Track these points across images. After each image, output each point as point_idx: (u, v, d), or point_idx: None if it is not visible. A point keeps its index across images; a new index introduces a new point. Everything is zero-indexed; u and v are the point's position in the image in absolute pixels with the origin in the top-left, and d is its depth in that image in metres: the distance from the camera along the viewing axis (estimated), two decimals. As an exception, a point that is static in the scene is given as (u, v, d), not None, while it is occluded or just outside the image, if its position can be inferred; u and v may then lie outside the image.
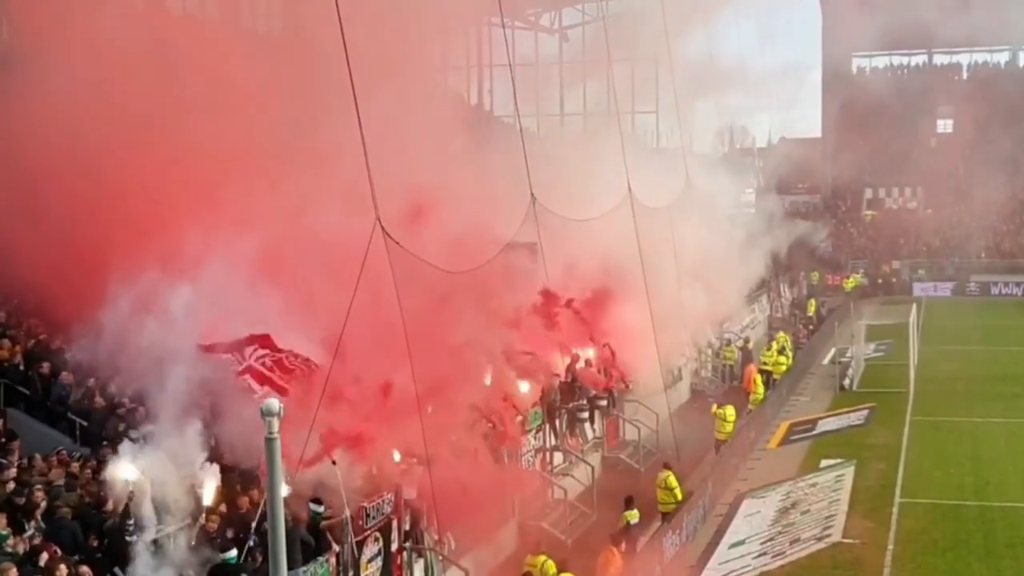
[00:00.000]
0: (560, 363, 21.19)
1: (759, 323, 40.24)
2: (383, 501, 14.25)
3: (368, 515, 13.81)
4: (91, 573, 11.35)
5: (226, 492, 13.22)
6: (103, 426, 15.28)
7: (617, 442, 23.74)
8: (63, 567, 10.98)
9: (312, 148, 17.45)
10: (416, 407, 14.31)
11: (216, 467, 12.85)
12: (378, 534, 14.02)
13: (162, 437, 12.92)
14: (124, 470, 12.38)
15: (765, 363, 30.27)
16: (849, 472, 21.87)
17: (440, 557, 15.26)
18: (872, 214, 62.00)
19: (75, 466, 13.76)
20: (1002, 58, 64.16)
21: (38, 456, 13.71)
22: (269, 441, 7.87)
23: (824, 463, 22.85)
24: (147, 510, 12.17)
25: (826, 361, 34.13)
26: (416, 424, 14.34)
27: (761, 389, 27.32)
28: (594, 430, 22.65)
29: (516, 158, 20.54)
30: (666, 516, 18.42)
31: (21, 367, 16.35)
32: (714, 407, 24.20)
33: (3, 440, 13.85)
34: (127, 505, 12.20)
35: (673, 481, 18.97)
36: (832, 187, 62.57)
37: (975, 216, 56.68)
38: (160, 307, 14.61)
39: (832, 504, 19.86)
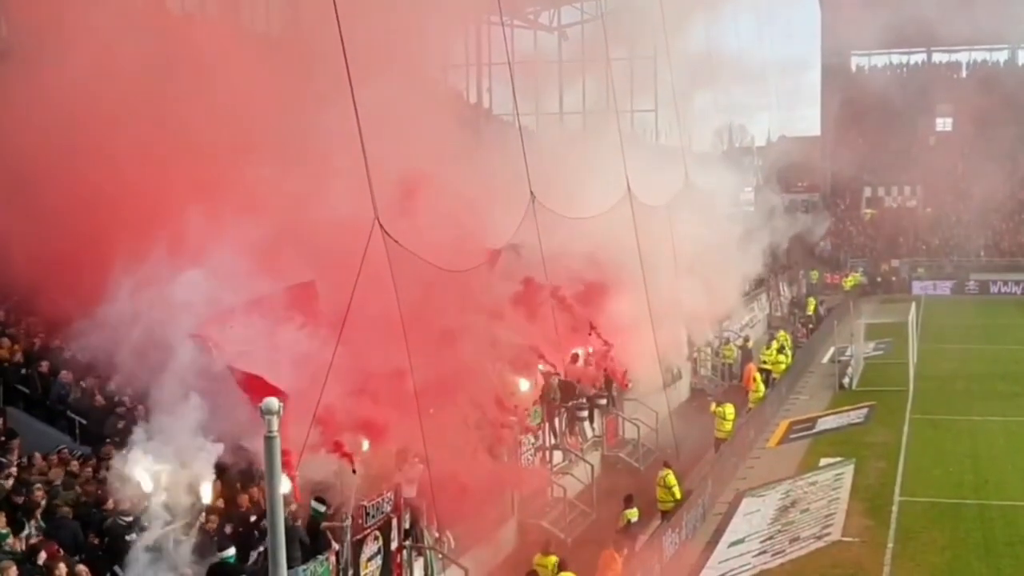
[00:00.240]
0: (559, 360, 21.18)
1: (758, 322, 40.27)
2: (383, 500, 14.25)
3: (368, 514, 13.81)
4: (88, 571, 11.34)
5: (225, 490, 13.21)
6: (103, 424, 15.28)
7: (617, 440, 23.75)
8: (62, 566, 10.98)
9: (310, 145, 17.42)
10: (416, 404, 14.31)
11: (212, 465, 12.82)
12: (378, 533, 14.02)
13: (166, 432, 12.88)
14: (134, 466, 12.36)
15: (765, 362, 30.29)
16: (848, 470, 21.88)
17: (440, 556, 15.27)
18: (871, 212, 62.03)
19: (75, 465, 13.76)
20: (1001, 56, 64.22)
21: (38, 455, 13.71)
22: (268, 439, 7.87)
23: (823, 461, 22.86)
24: (155, 508, 12.17)
25: (825, 360, 34.15)
26: (415, 422, 14.33)
27: (761, 387, 27.32)
28: (593, 428, 22.66)
29: (515, 156, 20.52)
30: (665, 514, 18.43)
31: (21, 366, 16.34)
32: (713, 406, 24.19)
33: (3, 439, 13.83)
34: (130, 503, 12.21)
35: (672, 479, 18.97)
36: (831, 185, 62.59)
37: (974, 214, 56.73)
38: (159, 301, 14.54)
39: (832, 502, 19.86)
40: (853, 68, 65.26)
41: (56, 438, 15.19)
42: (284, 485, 11.06)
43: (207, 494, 12.67)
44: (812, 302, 44.42)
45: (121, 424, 14.77)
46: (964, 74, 64.02)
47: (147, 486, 12.23)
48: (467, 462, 15.69)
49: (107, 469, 13.32)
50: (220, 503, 13.01)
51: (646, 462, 22.73)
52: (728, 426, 23.45)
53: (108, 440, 14.42)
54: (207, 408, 12.90)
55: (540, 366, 20.29)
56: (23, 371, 16.20)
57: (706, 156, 42.60)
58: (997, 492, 20.50)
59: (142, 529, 12.04)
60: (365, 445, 14.05)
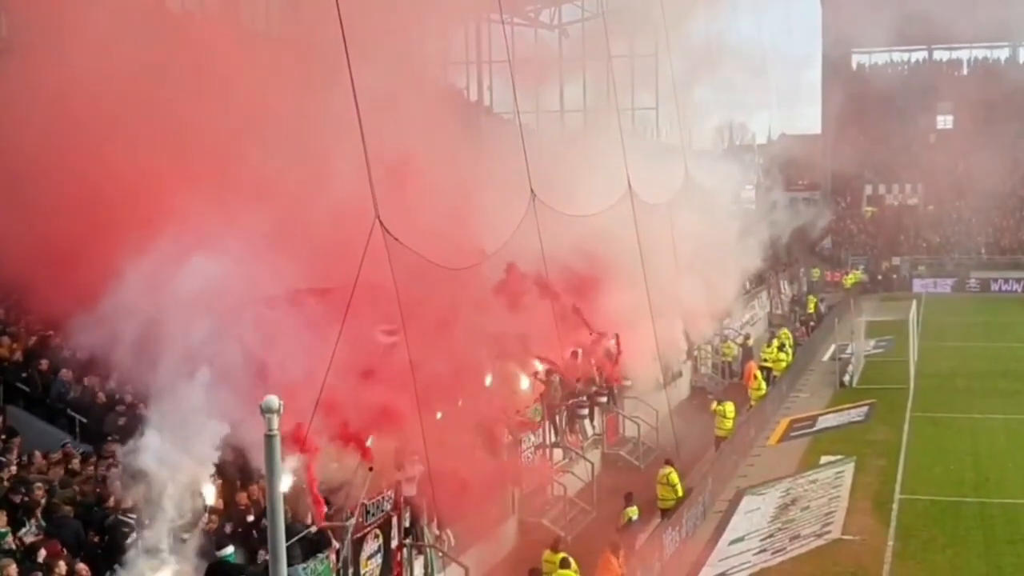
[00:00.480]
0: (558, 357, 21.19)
1: (759, 320, 40.26)
2: (383, 498, 14.25)
3: (368, 512, 13.80)
4: (87, 569, 11.34)
5: (225, 489, 13.21)
6: (103, 422, 15.29)
7: (617, 439, 23.75)
8: (62, 564, 10.99)
9: (310, 144, 17.40)
10: (417, 404, 14.31)
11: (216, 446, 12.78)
12: (378, 531, 14.02)
13: (173, 412, 12.87)
14: (144, 459, 12.36)
15: (765, 359, 30.28)
16: (849, 468, 21.88)
17: (440, 554, 15.27)
18: (872, 210, 62.02)
19: (76, 462, 13.77)
20: (1002, 54, 64.15)
21: (37, 453, 13.71)
22: (269, 438, 7.87)
23: (824, 459, 22.86)
24: (157, 504, 12.17)
25: (826, 358, 34.15)
26: (416, 420, 14.34)
27: (762, 385, 27.31)
28: (594, 427, 22.67)
29: (516, 154, 20.51)
30: (666, 512, 18.43)
31: (21, 364, 16.34)
32: (714, 404, 24.19)
33: (3, 437, 13.83)
34: (132, 501, 12.22)
35: (675, 477, 18.97)
36: (832, 183, 62.55)
37: (975, 212, 56.71)
38: (162, 292, 14.48)
39: (832, 500, 19.86)
40: (854, 66, 65.19)
41: (56, 436, 15.19)
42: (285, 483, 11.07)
43: (210, 495, 12.68)
44: (813, 300, 44.41)
45: (122, 421, 14.79)
46: (965, 71, 63.95)
47: (153, 467, 12.20)
48: (467, 460, 15.69)
49: (107, 468, 13.35)
50: (219, 503, 13.01)
51: (646, 460, 22.73)
52: (728, 424, 23.45)
53: (109, 437, 14.43)
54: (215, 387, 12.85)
55: (539, 364, 20.30)
56: (24, 373, 16.18)
57: (707, 153, 42.60)
58: (998, 490, 20.50)
59: (144, 527, 12.06)
60: (369, 441, 14.06)
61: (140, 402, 14.79)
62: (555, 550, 14.95)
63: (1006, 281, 53.17)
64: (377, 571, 13.97)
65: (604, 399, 22.82)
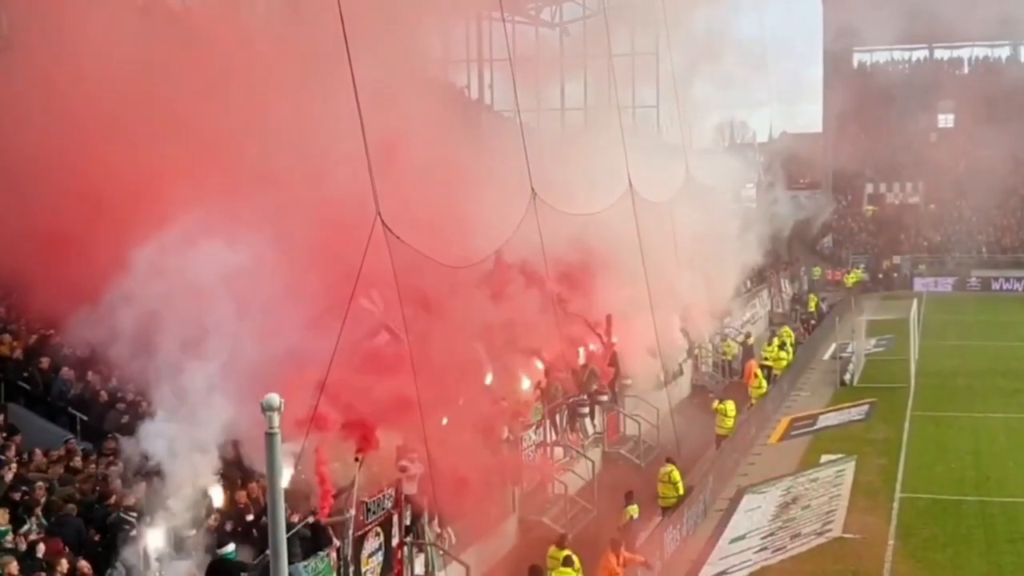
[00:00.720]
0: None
1: (760, 318, 40.25)
2: (384, 496, 14.25)
3: (369, 510, 13.80)
4: (89, 567, 11.35)
5: (225, 487, 13.22)
6: (103, 420, 15.29)
7: (617, 437, 23.74)
8: (64, 562, 10.99)
9: (310, 142, 17.38)
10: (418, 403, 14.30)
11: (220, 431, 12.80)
12: (379, 529, 14.02)
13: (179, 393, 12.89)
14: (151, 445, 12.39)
15: (766, 358, 30.27)
16: (850, 467, 21.87)
17: (440, 552, 15.27)
18: (873, 209, 62.00)
19: (78, 460, 13.77)
20: (1003, 53, 64.09)
21: (38, 451, 13.72)
22: (270, 436, 7.86)
23: (825, 458, 22.85)
24: (168, 504, 12.20)
25: (827, 356, 34.13)
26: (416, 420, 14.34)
27: (763, 384, 27.31)
28: (594, 425, 22.65)
29: (516, 152, 20.49)
30: (666, 511, 18.43)
31: (22, 362, 16.34)
32: (715, 402, 24.19)
33: (4, 435, 13.84)
34: (136, 499, 12.23)
35: (676, 475, 18.99)
36: (833, 181, 62.53)
37: (976, 211, 56.68)
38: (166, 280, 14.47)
39: (833, 499, 19.86)
40: (855, 64, 65.14)
41: (58, 434, 15.19)
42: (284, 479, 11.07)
43: (218, 497, 12.71)
44: (813, 299, 44.40)
45: (124, 419, 14.79)
46: (966, 70, 63.91)
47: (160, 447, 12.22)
48: (467, 458, 15.68)
49: (107, 465, 13.35)
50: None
51: (647, 458, 22.73)
52: (729, 423, 23.45)
53: (109, 435, 14.44)
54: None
55: (539, 364, 20.30)
56: (25, 371, 16.18)
57: (708, 152, 42.58)
58: (998, 489, 20.49)
59: (146, 524, 12.08)
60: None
61: (141, 399, 14.80)
62: (560, 546, 14.96)
63: (1007, 280, 53.16)
64: (378, 569, 13.97)
65: (604, 397, 22.81)
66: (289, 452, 12.23)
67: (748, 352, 31.72)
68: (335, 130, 15.76)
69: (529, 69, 32.05)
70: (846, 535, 17.83)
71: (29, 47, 17.30)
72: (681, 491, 18.79)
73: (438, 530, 15.28)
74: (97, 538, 12.23)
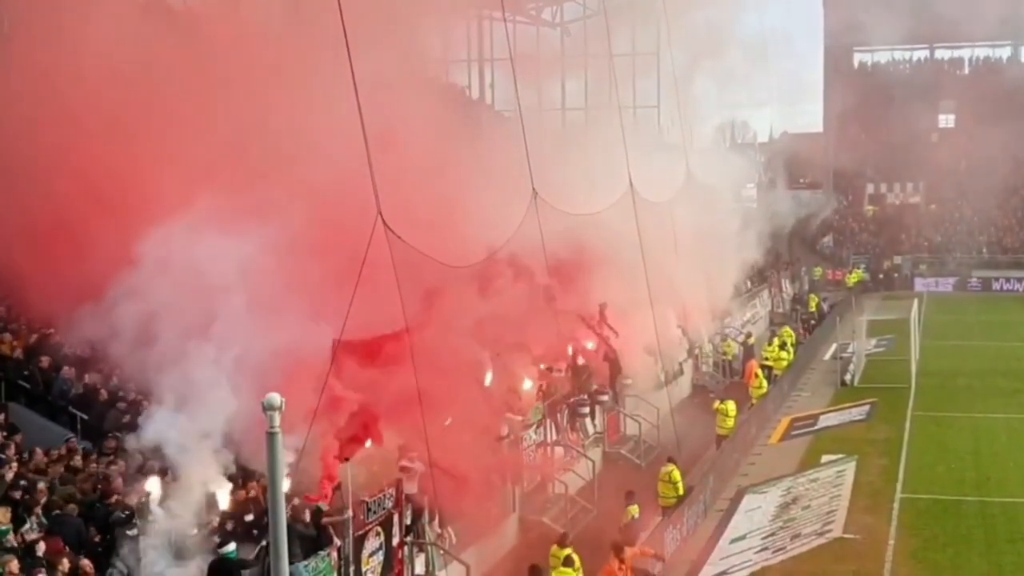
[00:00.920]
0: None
1: (760, 318, 40.23)
2: (384, 496, 14.24)
3: (369, 510, 13.80)
4: (91, 566, 11.34)
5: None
6: (104, 419, 15.29)
7: (618, 437, 23.74)
8: (65, 561, 10.98)
9: (309, 141, 17.38)
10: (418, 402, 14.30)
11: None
12: (379, 528, 14.01)
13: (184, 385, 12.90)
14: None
15: (767, 358, 30.26)
16: (850, 467, 21.86)
17: (441, 551, 15.27)
18: (874, 209, 62.01)
19: (78, 459, 13.77)
20: (1004, 53, 64.08)
21: (39, 450, 13.71)
22: (271, 436, 7.85)
23: (825, 458, 22.84)
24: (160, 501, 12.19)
25: (827, 357, 34.11)
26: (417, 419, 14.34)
27: (764, 384, 27.30)
28: (595, 425, 22.64)
29: (517, 152, 20.49)
30: (667, 510, 18.42)
31: (22, 362, 16.34)
32: (715, 402, 24.17)
33: (4, 434, 13.84)
34: (139, 500, 12.22)
35: (677, 475, 18.96)
36: (834, 181, 62.54)
37: (977, 211, 56.67)
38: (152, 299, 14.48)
39: (833, 499, 19.85)
40: (856, 64, 65.13)
41: (58, 433, 15.20)
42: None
43: (224, 500, 12.70)
44: (814, 299, 44.39)
45: (125, 419, 14.78)
46: (967, 70, 63.90)
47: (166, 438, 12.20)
48: (468, 457, 15.68)
49: (108, 464, 13.34)
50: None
51: (647, 458, 22.72)
52: (730, 423, 23.43)
53: (110, 434, 14.43)
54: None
55: (541, 365, 20.30)
56: (25, 371, 16.18)
57: (708, 152, 42.54)
58: (999, 489, 20.48)
59: (147, 522, 12.07)
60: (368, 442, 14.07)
61: (142, 398, 14.80)
62: (562, 545, 14.93)
63: (1007, 280, 53.19)
64: (378, 569, 13.96)
65: (605, 397, 22.80)
66: (291, 447, 12.27)
67: (749, 352, 31.71)
68: (335, 130, 15.75)
69: (530, 68, 32.02)
70: (847, 535, 17.81)
71: (29, 46, 17.29)
72: (681, 491, 18.77)
73: (439, 530, 15.28)
74: (97, 538, 12.22)
